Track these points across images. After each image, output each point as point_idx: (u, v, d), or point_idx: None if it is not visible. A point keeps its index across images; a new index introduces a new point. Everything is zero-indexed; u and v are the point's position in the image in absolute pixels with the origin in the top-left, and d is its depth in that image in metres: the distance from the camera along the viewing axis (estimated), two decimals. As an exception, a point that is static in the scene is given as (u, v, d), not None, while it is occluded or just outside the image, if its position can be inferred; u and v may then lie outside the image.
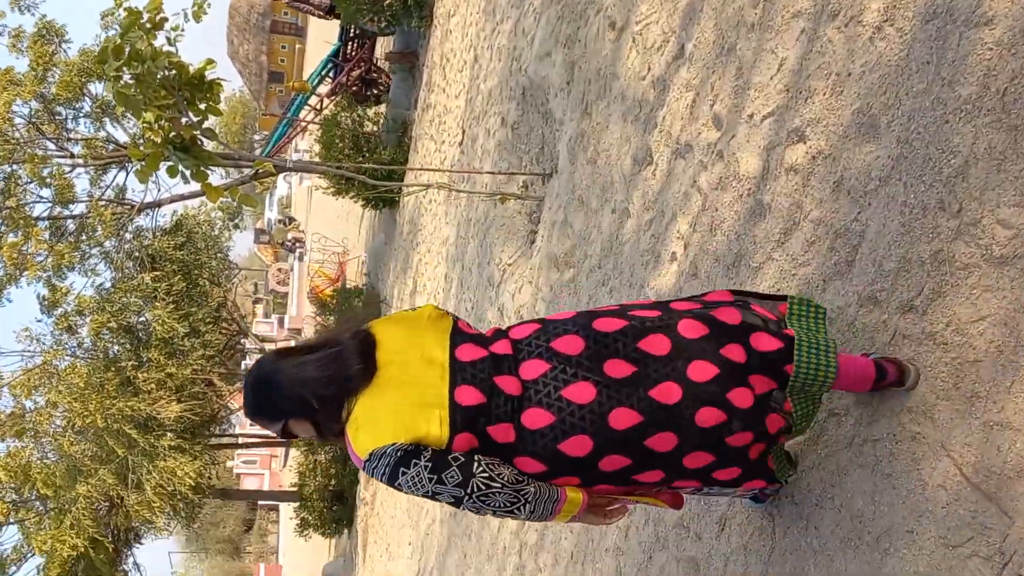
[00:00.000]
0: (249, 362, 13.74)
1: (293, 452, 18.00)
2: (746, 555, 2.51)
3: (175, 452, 10.59)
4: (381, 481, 1.77)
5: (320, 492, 15.66)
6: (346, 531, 16.72)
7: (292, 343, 2.81)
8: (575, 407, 1.78)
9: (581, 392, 1.79)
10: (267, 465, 45.14)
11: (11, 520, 12.18)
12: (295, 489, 16.82)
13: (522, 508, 1.79)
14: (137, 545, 13.90)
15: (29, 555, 12.20)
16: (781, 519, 2.34)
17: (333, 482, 15.70)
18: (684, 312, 1.94)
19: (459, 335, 1.89)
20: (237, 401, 15.23)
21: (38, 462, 11.21)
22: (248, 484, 42.39)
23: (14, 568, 12.35)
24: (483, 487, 1.74)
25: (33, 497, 11.90)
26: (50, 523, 11.37)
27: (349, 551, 16.23)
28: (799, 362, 1.89)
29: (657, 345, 1.85)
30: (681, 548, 2.91)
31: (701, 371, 1.83)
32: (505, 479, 1.76)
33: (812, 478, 2.29)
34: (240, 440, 19.00)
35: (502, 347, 1.87)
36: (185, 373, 10.81)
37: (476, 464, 1.74)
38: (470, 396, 1.77)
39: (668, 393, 1.81)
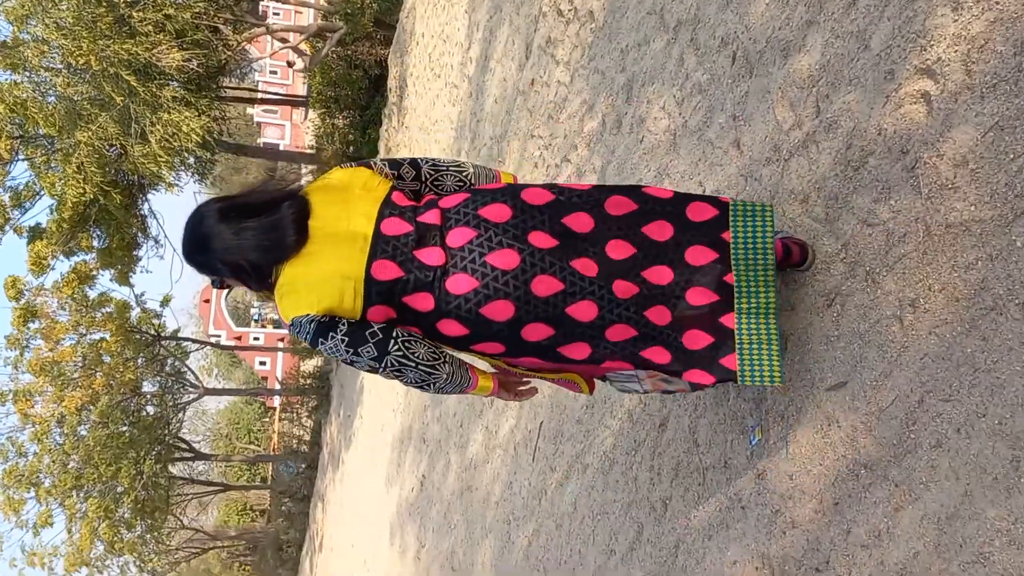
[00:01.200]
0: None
1: (312, 113, 17.17)
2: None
3: (179, 105, 9.84)
4: (305, 343, 1.85)
5: (338, 158, 15.12)
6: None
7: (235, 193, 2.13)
8: (499, 272, 1.81)
9: (505, 258, 1.82)
10: (288, 116, 44.62)
11: (18, 156, 11.80)
12: (313, 152, 16.28)
13: (431, 386, 1.89)
14: (153, 192, 13.71)
15: (41, 193, 12.06)
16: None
17: (351, 149, 15.10)
18: (615, 188, 1.97)
19: (388, 206, 1.89)
20: (250, 50, 14.23)
21: (37, 99, 10.46)
22: (269, 134, 42.31)
23: (28, 204, 12.30)
24: (396, 364, 1.83)
25: (39, 133, 11.39)
26: (57, 164, 10.99)
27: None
28: (736, 261, 1.94)
29: (579, 222, 1.89)
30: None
31: (619, 250, 1.89)
32: (420, 358, 1.84)
33: None
34: (258, 95, 18.10)
35: (431, 216, 1.89)
36: (186, 16, 9.63)
37: (392, 342, 1.82)
38: (387, 271, 1.81)
39: (587, 266, 1.85)
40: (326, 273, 1.79)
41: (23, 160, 12.09)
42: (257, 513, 34.03)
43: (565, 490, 3.83)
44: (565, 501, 3.80)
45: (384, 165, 2.03)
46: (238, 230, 1.82)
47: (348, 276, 1.79)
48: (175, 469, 18.84)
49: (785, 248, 2.13)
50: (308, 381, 21.31)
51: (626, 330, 1.90)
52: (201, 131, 9.90)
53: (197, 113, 10.02)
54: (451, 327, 1.85)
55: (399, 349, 1.81)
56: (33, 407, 14.54)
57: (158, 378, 17.40)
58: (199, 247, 1.87)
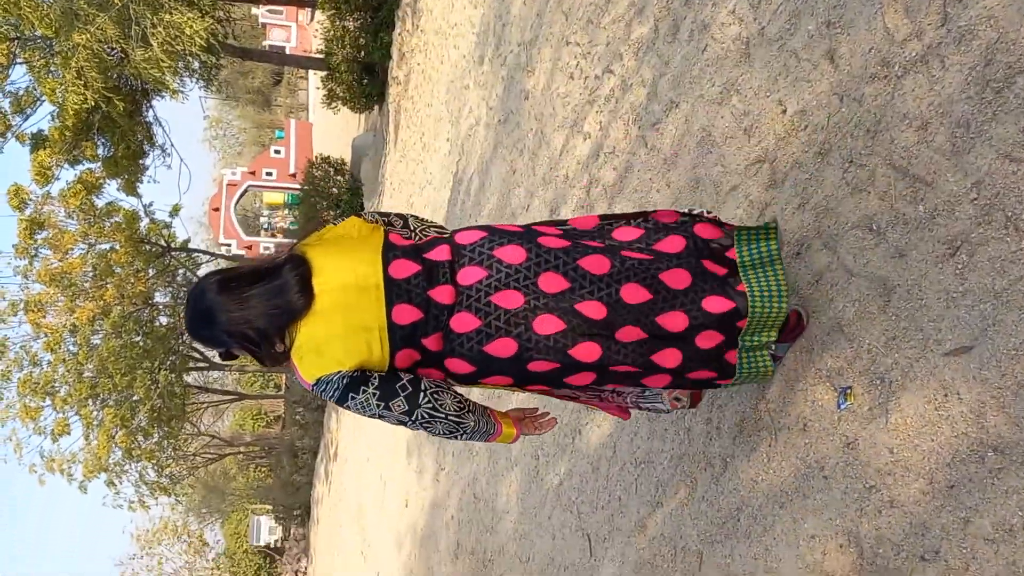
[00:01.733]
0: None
1: (319, 15, 16.36)
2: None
3: (181, 5, 9.25)
4: (331, 401, 1.84)
5: (348, 64, 14.47)
6: (376, 107, 15.93)
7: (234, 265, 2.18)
8: (501, 311, 1.83)
9: (509, 298, 1.83)
10: (294, 17, 43.07)
11: (16, 59, 11.29)
12: (321, 57, 15.59)
13: (459, 436, 1.91)
14: (157, 98, 13.19)
15: (41, 100, 11.58)
16: None
17: (362, 54, 14.41)
18: (627, 244, 1.97)
19: (391, 250, 1.89)
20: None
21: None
22: (275, 36, 40.94)
23: (29, 111, 11.85)
24: (426, 417, 1.84)
25: (37, 36, 10.84)
26: (57, 68, 10.49)
27: (380, 127, 15.62)
28: (752, 311, 1.94)
29: (596, 265, 1.88)
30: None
31: (634, 294, 1.88)
32: (448, 409, 1.86)
33: None
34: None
35: (440, 253, 1.89)
36: (184, -94, 8.96)
37: (422, 395, 1.83)
38: (407, 314, 1.82)
39: (595, 309, 1.86)
40: (347, 328, 1.80)
41: (21, 64, 11.57)
42: (272, 419, 34.66)
43: (603, 432, 3.60)
44: (602, 444, 3.57)
45: (374, 215, 2.06)
46: (242, 299, 1.80)
47: (371, 327, 1.80)
48: (190, 378, 18.95)
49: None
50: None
51: (628, 369, 1.94)
52: (205, 33, 9.36)
53: (200, 14, 9.46)
54: (458, 365, 1.89)
55: (428, 402, 1.84)
56: (45, 317, 14.46)
57: (170, 289, 17.28)
58: (204, 321, 1.85)
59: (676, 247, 1.96)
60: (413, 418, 1.83)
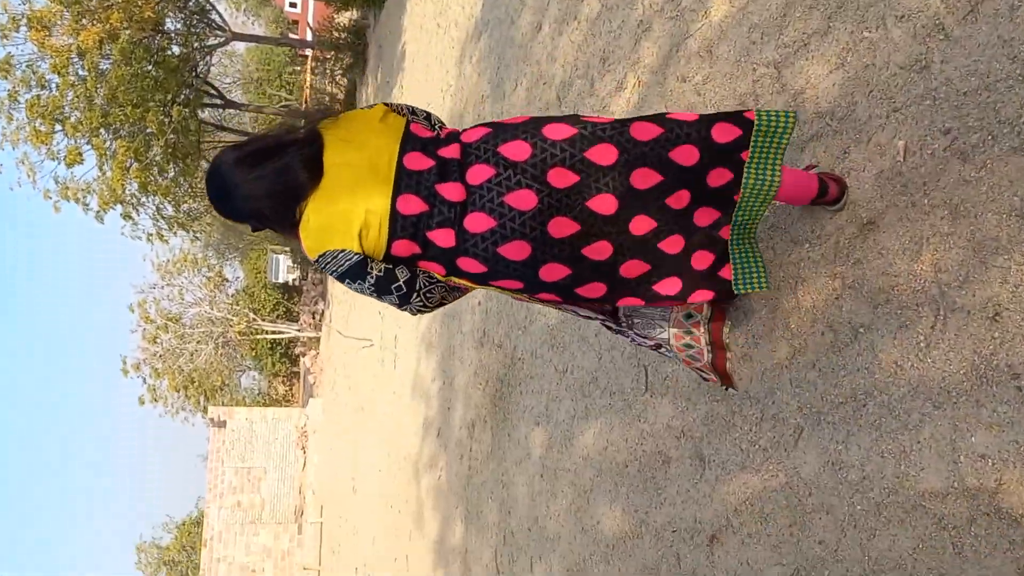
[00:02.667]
0: None
1: None
2: None
3: None
4: (329, 275, 1.89)
5: None
6: None
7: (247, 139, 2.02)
8: (516, 213, 1.81)
9: (523, 199, 1.80)
10: None
11: None
12: None
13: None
14: None
15: None
16: None
17: None
18: (638, 116, 1.91)
19: (410, 140, 1.90)
20: None
21: None
22: None
23: None
24: (416, 311, 1.95)
25: None
26: None
27: None
28: (746, 183, 1.92)
29: (604, 155, 1.84)
30: None
31: (644, 179, 1.85)
32: (435, 303, 1.97)
33: None
34: None
35: (451, 151, 1.88)
36: None
37: (415, 295, 1.90)
38: (412, 205, 1.82)
39: (606, 204, 1.83)
40: (352, 207, 1.81)
41: None
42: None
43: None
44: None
45: (400, 106, 2.03)
46: (251, 179, 1.83)
47: (373, 210, 1.81)
48: (205, 115, 18.22)
49: (822, 184, 2.15)
50: (343, 35, 19.69)
51: (640, 265, 1.93)
52: None
53: None
54: (470, 264, 1.88)
55: (419, 299, 1.92)
56: (50, 36, 13.48)
57: (181, 15, 16.03)
58: (221, 199, 1.89)
59: (690, 159, 1.89)
60: (403, 309, 1.94)
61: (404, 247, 1.85)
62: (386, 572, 8.77)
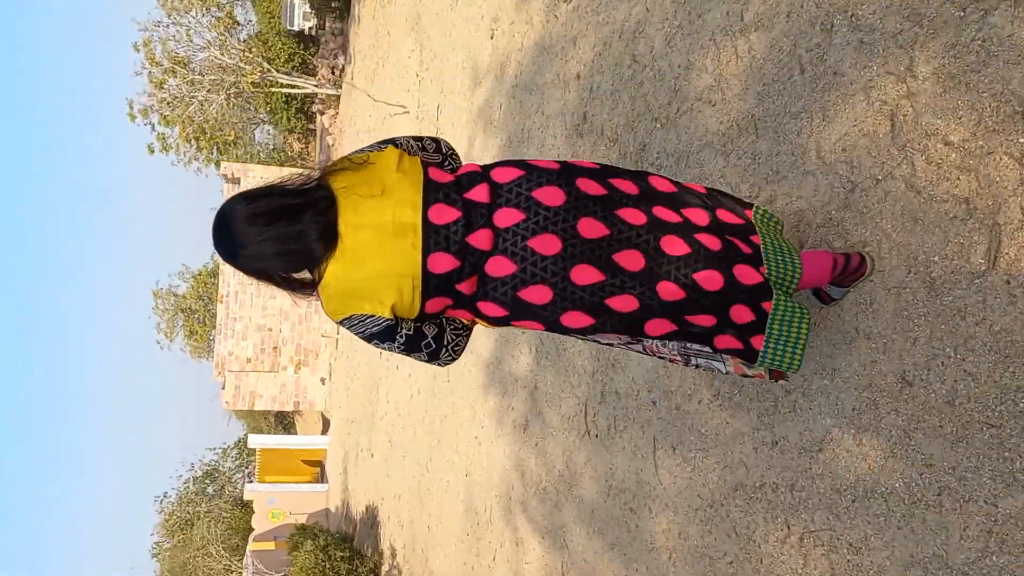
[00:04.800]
0: None
1: None
2: None
3: None
4: (357, 335, 1.84)
5: None
6: None
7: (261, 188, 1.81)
8: (538, 257, 1.79)
9: (547, 244, 1.78)
10: None
11: None
12: None
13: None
14: None
15: None
16: None
17: None
18: (661, 195, 1.95)
19: (432, 191, 1.82)
20: None
21: None
22: None
23: None
24: (444, 363, 1.92)
25: None
26: None
27: None
28: (767, 261, 1.95)
29: (634, 216, 1.85)
30: None
31: (673, 246, 1.85)
32: (461, 354, 1.95)
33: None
34: None
35: (479, 193, 1.83)
36: None
37: (444, 350, 1.89)
38: (443, 263, 1.77)
39: (633, 260, 1.82)
40: (380, 272, 1.76)
41: None
42: None
43: None
44: None
45: (409, 141, 1.96)
46: (261, 239, 1.75)
47: (405, 274, 1.76)
48: None
49: (846, 258, 2.19)
50: None
51: (665, 325, 1.89)
52: None
53: None
54: (490, 309, 1.85)
55: (448, 354, 1.91)
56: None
57: None
58: (228, 253, 1.79)
59: (702, 220, 1.93)
60: (432, 363, 1.91)
61: (436, 304, 1.82)
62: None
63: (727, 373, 2.12)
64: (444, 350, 1.89)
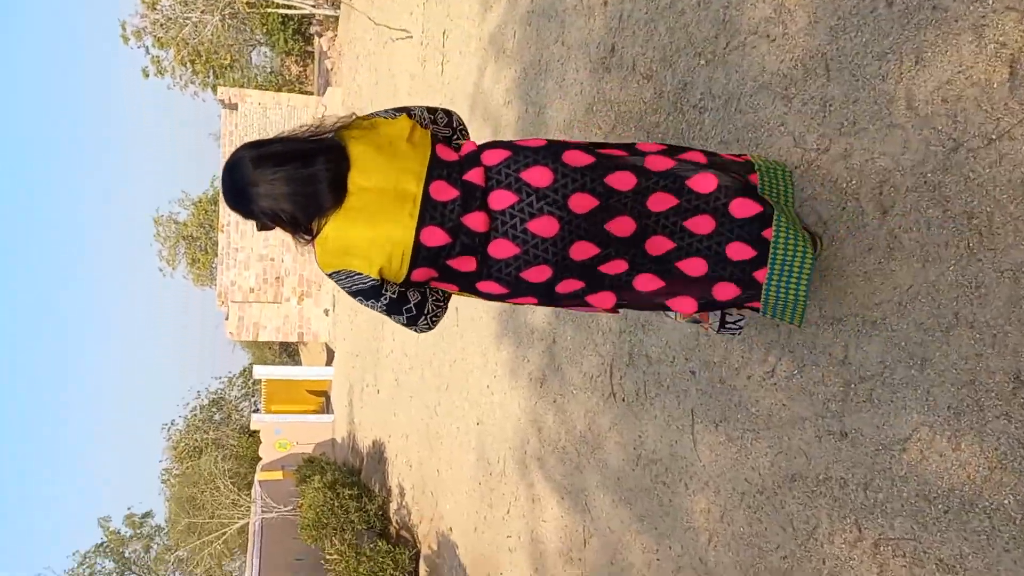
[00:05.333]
0: None
1: None
2: None
3: None
4: (342, 289, 1.92)
5: None
6: None
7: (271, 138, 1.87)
8: (539, 240, 1.86)
9: (545, 226, 1.86)
10: None
11: None
12: None
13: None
14: None
15: None
16: None
17: None
18: (651, 150, 2.01)
19: (436, 167, 1.88)
20: None
21: None
22: None
23: None
24: (422, 329, 2.00)
25: None
26: None
27: None
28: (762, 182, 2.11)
29: (622, 181, 1.91)
30: None
31: (660, 202, 1.93)
32: (439, 322, 2.03)
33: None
34: None
35: (475, 176, 1.89)
36: None
37: (423, 318, 1.97)
38: (436, 238, 1.84)
39: (622, 226, 1.91)
40: (376, 236, 1.82)
41: None
42: None
43: None
44: None
45: (423, 113, 2.01)
46: (272, 180, 1.79)
47: (398, 241, 1.82)
48: None
49: None
50: None
51: (654, 281, 1.97)
52: None
53: None
54: (492, 287, 1.94)
55: (426, 322, 1.98)
56: None
57: None
58: (238, 196, 1.84)
59: (708, 187, 1.97)
60: (408, 327, 1.98)
61: (422, 273, 1.89)
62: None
63: (675, 318, 2.22)
64: (423, 317, 1.97)
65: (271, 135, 1.89)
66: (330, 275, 1.88)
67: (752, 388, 2.72)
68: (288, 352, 31.61)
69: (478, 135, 6.29)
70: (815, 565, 2.37)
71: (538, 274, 1.90)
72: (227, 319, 18.02)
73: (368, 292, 1.88)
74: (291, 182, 1.78)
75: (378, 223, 1.81)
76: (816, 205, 2.45)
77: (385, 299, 1.90)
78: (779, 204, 2.07)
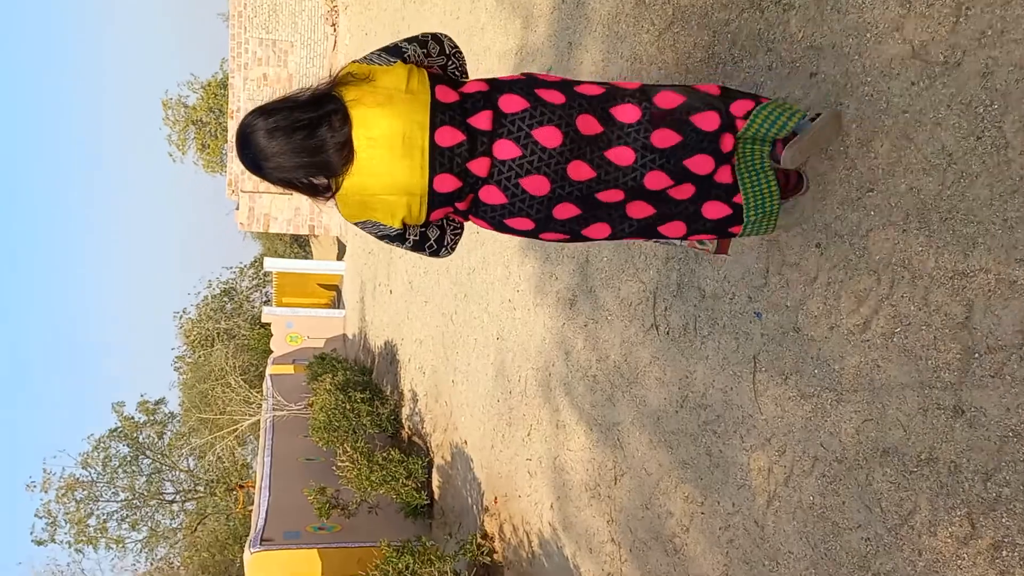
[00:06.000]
0: None
1: None
2: None
3: None
4: (369, 234, 2.05)
5: None
6: None
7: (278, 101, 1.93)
8: (527, 196, 1.96)
9: (537, 185, 1.94)
10: None
11: None
12: None
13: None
14: None
15: None
16: None
17: None
18: (662, 86, 2.06)
19: (439, 111, 1.91)
20: None
21: None
22: None
23: None
24: (442, 257, 2.14)
25: None
26: None
27: None
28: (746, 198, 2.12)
29: (627, 113, 1.98)
30: None
31: (664, 138, 1.97)
32: (455, 248, 2.15)
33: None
34: None
35: (482, 121, 1.92)
36: None
37: (443, 250, 2.11)
38: (448, 184, 1.92)
39: (622, 156, 1.96)
40: (392, 188, 1.90)
41: None
42: None
43: None
44: None
45: (416, 51, 2.02)
46: (283, 151, 1.86)
47: (413, 192, 1.91)
48: None
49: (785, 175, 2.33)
50: None
51: (646, 208, 2.06)
52: None
53: None
54: (479, 223, 2.06)
55: (447, 251, 2.12)
56: None
57: None
58: (253, 168, 1.92)
59: (711, 125, 2.02)
60: (431, 257, 2.13)
61: (440, 213, 2.00)
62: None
63: (680, 245, 2.32)
64: (444, 248, 2.11)
65: (277, 97, 1.93)
66: (355, 224, 1.99)
67: (836, 342, 2.33)
68: (299, 243, 31.39)
69: (505, 26, 5.68)
70: (907, 555, 2.04)
71: (521, 224, 2.02)
72: (237, 209, 17.63)
73: (394, 238, 2.01)
74: (299, 153, 1.85)
75: (392, 177, 1.89)
76: (939, 133, 2.00)
77: (409, 242, 2.03)
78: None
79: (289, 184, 1.93)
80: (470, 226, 2.25)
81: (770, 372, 2.64)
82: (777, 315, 2.61)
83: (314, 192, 1.95)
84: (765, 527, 2.64)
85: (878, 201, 2.21)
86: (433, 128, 1.89)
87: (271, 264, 18.73)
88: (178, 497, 21.52)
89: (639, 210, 2.05)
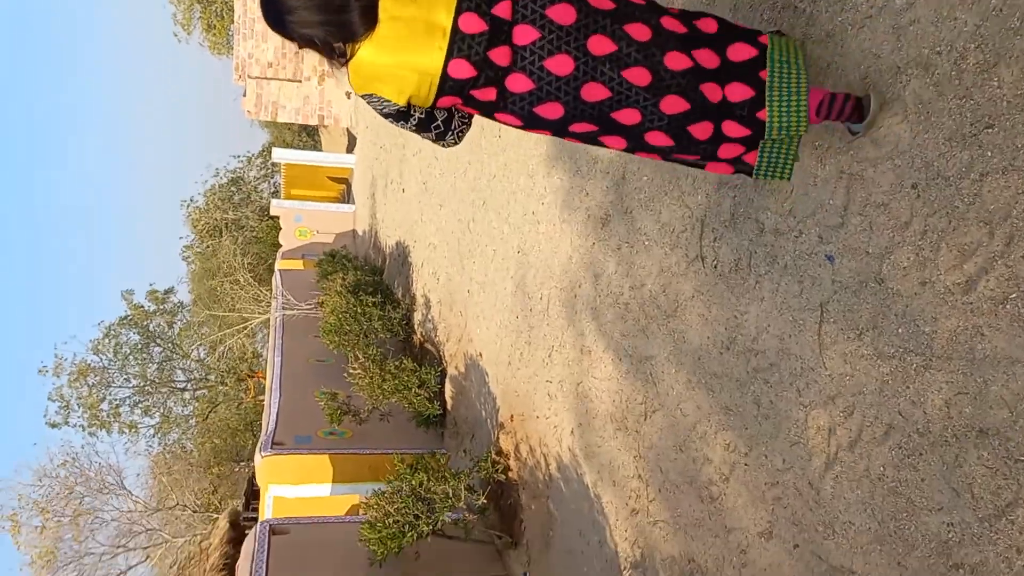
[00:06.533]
0: None
1: None
2: None
3: None
4: (373, 109, 2.04)
5: None
6: None
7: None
8: (553, 77, 1.93)
9: (560, 64, 1.91)
10: None
11: None
12: None
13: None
14: None
15: None
16: None
17: None
18: (667, 11, 2.04)
19: None
20: None
21: None
22: None
23: None
24: (447, 145, 2.16)
25: None
26: None
27: None
28: (771, 108, 2.03)
29: (639, 31, 1.95)
30: None
31: (676, 61, 1.96)
32: (464, 137, 2.14)
33: None
34: None
35: (503, 10, 1.91)
36: None
37: (449, 134, 2.09)
38: (463, 70, 1.90)
39: (639, 76, 1.94)
40: (405, 65, 1.89)
41: None
42: None
43: None
44: None
45: None
46: (307, 7, 1.86)
47: (426, 72, 1.89)
48: None
49: (844, 98, 2.19)
50: None
51: (664, 138, 2.03)
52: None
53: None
54: (508, 119, 2.03)
55: (453, 137, 2.11)
56: None
57: None
58: (275, 20, 1.91)
59: (709, 28, 2.06)
60: (437, 143, 2.12)
61: (448, 101, 1.97)
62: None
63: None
64: (450, 133, 2.08)
65: None
66: (362, 96, 1.98)
67: (929, 300, 2.03)
68: (308, 132, 30.67)
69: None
70: (1000, 550, 1.82)
71: (551, 111, 1.97)
72: (244, 95, 17.04)
73: (397, 116, 1.99)
74: (323, 10, 1.84)
75: (408, 53, 1.88)
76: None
77: (414, 120, 2.00)
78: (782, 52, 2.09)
79: (308, 40, 1.91)
80: (491, 129, 2.10)
81: (840, 324, 2.36)
82: (855, 261, 2.31)
83: (331, 53, 1.92)
84: (821, 491, 2.43)
85: (999, 140, 1.86)
86: (459, 12, 1.87)
87: (279, 155, 18.26)
88: (189, 385, 21.81)
89: (671, 105, 1.99)
